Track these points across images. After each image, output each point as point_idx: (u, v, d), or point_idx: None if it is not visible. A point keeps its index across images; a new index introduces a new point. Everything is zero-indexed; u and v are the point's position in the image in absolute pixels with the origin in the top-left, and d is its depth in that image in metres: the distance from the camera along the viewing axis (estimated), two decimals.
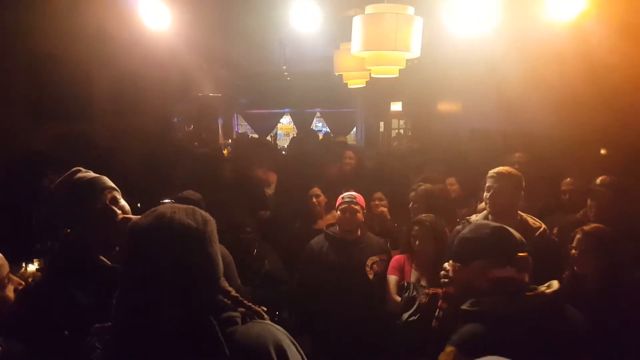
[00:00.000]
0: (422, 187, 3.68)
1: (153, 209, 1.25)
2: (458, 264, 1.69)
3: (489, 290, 1.57)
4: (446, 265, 1.91)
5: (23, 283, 1.58)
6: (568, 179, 3.64)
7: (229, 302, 1.24)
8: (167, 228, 1.19)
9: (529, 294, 1.55)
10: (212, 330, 1.16)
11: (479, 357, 1.33)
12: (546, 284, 1.58)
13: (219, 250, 1.26)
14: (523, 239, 1.64)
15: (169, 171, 4.83)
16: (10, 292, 1.52)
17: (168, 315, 1.16)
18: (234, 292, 1.26)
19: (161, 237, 1.18)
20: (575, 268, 2.51)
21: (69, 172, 1.90)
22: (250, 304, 1.28)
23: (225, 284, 1.26)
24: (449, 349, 1.54)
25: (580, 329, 1.60)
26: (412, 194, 3.69)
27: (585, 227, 2.55)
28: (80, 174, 1.89)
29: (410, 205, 3.68)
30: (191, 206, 1.29)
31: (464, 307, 1.59)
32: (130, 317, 1.19)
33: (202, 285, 1.20)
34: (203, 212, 1.28)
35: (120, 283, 1.23)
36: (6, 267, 1.53)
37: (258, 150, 5.97)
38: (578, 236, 2.52)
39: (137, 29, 3.55)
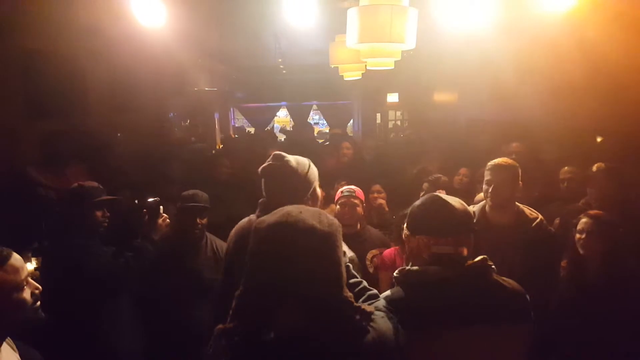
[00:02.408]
0: (440, 180, 3.70)
1: (280, 208, 1.27)
2: (407, 232, 1.76)
3: (428, 261, 1.65)
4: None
5: (40, 288, 1.57)
6: (566, 167, 3.65)
7: (352, 311, 1.23)
8: (292, 226, 1.19)
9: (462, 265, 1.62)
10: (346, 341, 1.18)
11: (397, 317, 1.47)
12: (478, 258, 1.63)
13: (342, 256, 1.25)
14: (469, 215, 1.70)
15: (166, 166, 4.83)
16: (27, 295, 1.51)
17: (291, 323, 1.16)
18: (353, 300, 1.25)
19: (286, 234, 1.18)
20: (581, 252, 2.54)
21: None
22: (363, 307, 1.28)
23: (348, 293, 1.24)
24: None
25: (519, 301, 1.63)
26: (426, 184, 3.71)
27: (590, 212, 2.58)
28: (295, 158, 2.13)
29: (422, 194, 3.68)
30: (318, 209, 1.31)
31: (395, 273, 1.69)
32: (253, 321, 1.19)
33: (326, 291, 1.19)
34: (329, 217, 1.28)
35: (243, 281, 1.22)
36: (25, 270, 1.52)
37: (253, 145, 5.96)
38: (584, 219, 2.55)
39: (131, 24, 3.53)
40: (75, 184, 2.80)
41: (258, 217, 1.93)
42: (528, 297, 1.64)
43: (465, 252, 1.65)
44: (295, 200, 1.84)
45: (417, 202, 1.77)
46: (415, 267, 1.67)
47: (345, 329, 1.20)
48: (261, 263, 1.20)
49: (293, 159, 2.08)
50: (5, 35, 3.61)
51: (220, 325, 1.22)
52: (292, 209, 1.24)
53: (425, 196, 1.79)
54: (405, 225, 1.78)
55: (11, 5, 3.57)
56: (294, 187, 2.01)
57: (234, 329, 1.20)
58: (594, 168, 3.12)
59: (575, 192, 3.43)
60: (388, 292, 1.67)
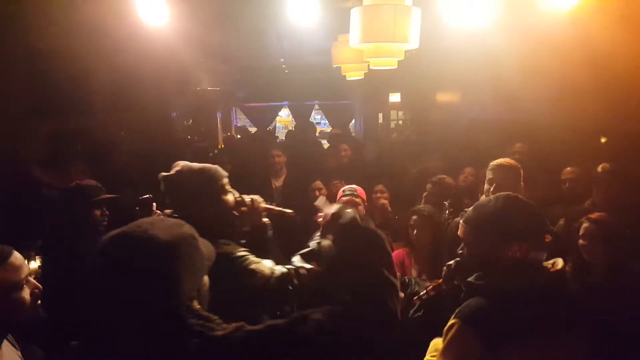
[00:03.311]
0: (444, 180, 3.71)
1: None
2: (479, 236, 1.59)
3: (502, 266, 1.52)
4: (451, 263, 1.90)
5: (40, 287, 1.56)
6: (568, 168, 3.64)
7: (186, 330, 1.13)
8: (128, 237, 1.12)
9: (544, 271, 1.54)
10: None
11: (490, 332, 1.40)
12: (551, 262, 1.57)
13: (190, 272, 1.15)
14: (543, 215, 1.63)
15: (168, 166, 4.82)
16: (26, 294, 1.50)
17: (125, 344, 1.09)
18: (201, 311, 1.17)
19: (120, 246, 1.12)
20: (585, 257, 2.51)
21: (181, 164, 2.03)
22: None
23: (195, 306, 1.16)
24: (453, 321, 1.51)
25: (581, 306, 1.60)
26: (429, 185, 3.71)
27: (592, 216, 2.54)
28: (196, 165, 2.05)
29: (425, 194, 3.69)
30: (179, 221, 1.24)
31: (470, 279, 1.54)
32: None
33: (156, 307, 1.10)
34: (186, 228, 1.20)
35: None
36: (25, 269, 1.51)
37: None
38: (585, 224, 2.51)
39: (135, 24, 3.53)
40: (74, 183, 2.80)
41: None
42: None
43: (543, 256, 1.57)
44: (199, 209, 1.85)
45: (486, 202, 1.64)
46: (494, 274, 1.52)
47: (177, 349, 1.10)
48: (98, 278, 1.13)
49: (196, 167, 2.01)
50: (11, 35, 3.62)
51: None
52: (144, 220, 1.17)
53: (499, 196, 1.63)
54: (462, 222, 1.64)
55: (16, 5, 3.58)
56: (195, 196, 1.93)
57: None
58: (599, 169, 3.10)
59: (578, 193, 3.42)
60: (474, 302, 1.51)
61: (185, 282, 1.13)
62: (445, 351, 1.49)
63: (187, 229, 1.21)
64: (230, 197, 2.04)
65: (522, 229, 1.54)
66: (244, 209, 2.08)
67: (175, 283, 1.11)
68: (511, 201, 1.59)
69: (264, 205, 2.18)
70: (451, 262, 1.89)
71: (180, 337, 1.11)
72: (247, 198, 2.13)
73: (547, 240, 1.60)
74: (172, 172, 1.99)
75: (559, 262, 1.57)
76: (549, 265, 1.57)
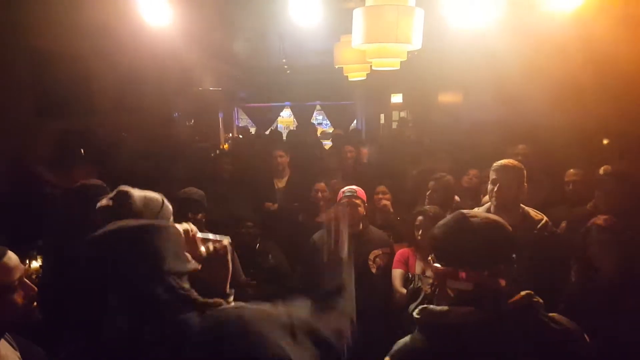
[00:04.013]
0: (445, 177, 3.70)
1: None
2: (431, 257, 1.48)
3: (455, 297, 1.36)
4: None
5: (35, 289, 1.52)
6: (572, 170, 3.63)
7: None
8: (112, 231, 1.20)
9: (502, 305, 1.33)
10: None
11: None
12: (519, 295, 1.36)
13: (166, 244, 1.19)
14: (507, 236, 1.41)
15: (170, 166, 4.84)
16: (19, 297, 1.46)
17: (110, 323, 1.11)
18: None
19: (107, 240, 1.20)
20: (593, 263, 2.47)
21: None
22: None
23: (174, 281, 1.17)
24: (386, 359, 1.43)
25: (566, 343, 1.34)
26: (432, 183, 3.69)
27: (598, 221, 2.52)
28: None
29: (428, 193, 3.68)
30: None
31: (414, 312, 1.40)
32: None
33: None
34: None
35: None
36: (18, 271, 1.47)
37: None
38: (595, 232, 2.46)
39: (137, 24, 3.53)
40: (79, 183, 2.80)
41: None
42: (587, 337, 1.38)
43: (503, 284, 1.36)
44: None
45: (441, 222, 1.49)
46: (439, 307, 1.36)
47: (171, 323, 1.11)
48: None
49: (139, 199, 1.75)
50: (15, 35, 3.63)
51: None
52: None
53: (451, 216, 1.49)
54: (430, 248, 1.52)
55: (19, 6, 3.59)
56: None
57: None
58: (601, 171, 3.09)
59: (581, 195, 3.41)
60: (406, 340, 1.40)
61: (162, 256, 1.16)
62: None
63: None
64: None
65: (452, 251, 1.39)
66: None
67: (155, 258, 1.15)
68: (453, 219, 1.45)
69: (198, 234, 1.70)
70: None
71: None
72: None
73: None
74: (117, 204, 1.78)
75: (519, 296, 1.36)
76: (514, 298, 1.36)
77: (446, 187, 3.61)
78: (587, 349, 1.36)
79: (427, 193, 3.68)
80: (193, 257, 1.41)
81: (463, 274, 1.34)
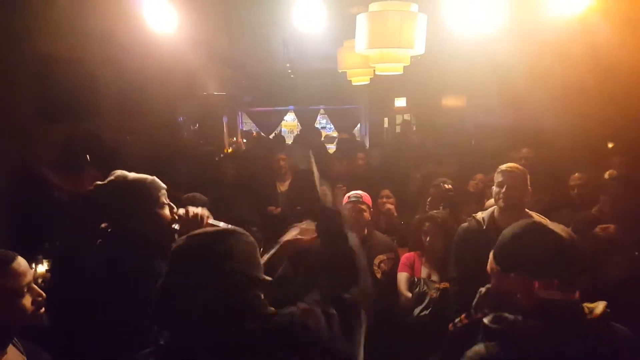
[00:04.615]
0: (445, 183, 3.70)
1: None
2: (497, 267, 1.42)
3: (528, 309, 1.30)
4: (482, 290, 1.64)
5: (44, 295, 1.53)
6: (576, 174, 3.62)
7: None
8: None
9: (581, 318, 1.30)
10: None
11: None
12: (592, 305, 1.33)
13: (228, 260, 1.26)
14: (579, 247, 1.40)
15: (174, 169, 4.85)
16: (27, 302, 1.46)
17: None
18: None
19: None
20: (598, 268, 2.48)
21: (116, 174, 1.90)
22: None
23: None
24: None
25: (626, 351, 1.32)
26: (432, 189, 3.69)
27: (607, 230, 2.52)
28: (131, 176, 1.90)
29: (428, 200, 3.68)
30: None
31: (485, 320, 1.34)
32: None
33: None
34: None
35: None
36: (28, 276, 1.48)
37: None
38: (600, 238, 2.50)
39: (143, 30, 3.56)
40: (92, 186, 2.82)
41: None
42: None
43: (578, 296, 1.32)
44: (132, 222, 1.77)
45: (511, 230, 1.43)
46: (513, 317, 1.29)
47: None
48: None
49: (131, 177, 1.89)
50: (20, 40, 3.66)
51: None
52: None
53: (522, 223, 1.45)
54: (492, 256, 1.46)
55: (24, 11, 3.62)
56: (128, 208, 1.83)
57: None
58: (607, 175, 3.08)
59: (586, 199, 3.40)
60: (481, 348, 1.31)
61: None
62: None
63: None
64: (166, 211, 1.89)
65: (530, 260, 1.34)
66: (179, 220, 1.91)
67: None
68: (526, 227, 1.41)
69: (210, 220, 1.96)
70: (482, 288, 1.65)
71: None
72: (191, 211, 1.94)
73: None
74: (106, 181, 1.88)
75: (600, 306, 1.31)
76: (586, 310, 1.31)
77: (445, 194, 3.62)
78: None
79: (428, 200, 3.69)
80: None
81: (556, 283, 1.30)
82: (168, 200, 1.92)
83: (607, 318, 1.30)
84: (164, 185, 1.93)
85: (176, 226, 1.89)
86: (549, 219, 2.66)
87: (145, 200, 1.84)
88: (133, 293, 1.62)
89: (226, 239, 1.26)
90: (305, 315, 1.31)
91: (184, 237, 1.30)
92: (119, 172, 1.90)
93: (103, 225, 1.93)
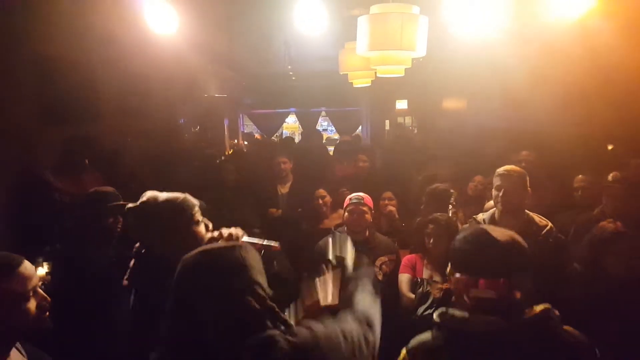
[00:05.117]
0: (439, 188, 3.69)
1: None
2: (449, 268, 1.58)
3: (470, 305, 1.44)
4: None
5: (49, 299, 1.53)
6: (580, 176, 3.61)
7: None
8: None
9: (517, 316, 1.40)
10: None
11: None
12: (536, 307, 1.42)
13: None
14: (523, 250, 1.49)
15: (175, 172, 4.85)
16: (32, 306, 1.46)
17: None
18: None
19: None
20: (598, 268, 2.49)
21: (147, 195, 1.86)
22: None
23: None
24: (403, 350, 1.54)
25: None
26: (426, 196, 3.69)
27: (607, 227, 2.53)
28: (163, 196, 1.86)
29: (422, 207, 3.68)
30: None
31: (434, 314, 1.49)
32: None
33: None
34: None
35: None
36: (34, 280, 1.48)
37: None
38: (601, 236, 2.51)
39: (144, 31, 3.56)
40: (92, 189, 2.82)
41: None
42: (597, 351, 1.43)
43: (518, 296, 1.42)
44: (167, 242, 1.75)
45: (460, 235, 1.58)
46: (458, 312, 1.44)
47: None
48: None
49: (163, 197, 1.87)
50: (21, 42, 3.66)
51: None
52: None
53: (469, 228, 1.62)
54: (450, 258, 1.60)
55: (25, 13, 3.63)
56: (162, 229, 1.81)
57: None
58: (610, 177, 3.08)
59: (589, 201, 3.40)
60: (427, 337, 1.49)
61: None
62: None
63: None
64: (201, 228, 1.87)
65: (468, 260, 1.48)
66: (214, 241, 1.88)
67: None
68: (471, 232, 1.55)
69: (245, 238, 1.90)
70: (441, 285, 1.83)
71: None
72: (225, 231, 1.88)
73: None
74: (137, 203, 1.85)
75: (540, 307, 1.42)
76: (533, 310, 1.41)
77: (440, 197, 3.62)
78: None
79: (421, 207, 3.68)
80: None
81: (482, 282, 1.41)
82: (202, 217, 1.89)
83: (546, 318, 1.39)
84: (196, 202, 1.89)
85: None
86: (551, 221, 2.66)
87: (179, 219, 1.81)
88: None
89: (242, 252, 1.28)
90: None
91: (194, 251, 1.30)
92: (150, 194, 1.87)
93: (136, 246, 1.90)
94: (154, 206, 1.82)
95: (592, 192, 3.44)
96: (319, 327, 1.31)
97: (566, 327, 1.44)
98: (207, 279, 1.22)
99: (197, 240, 1.82)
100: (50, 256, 2.78)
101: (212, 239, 1.84)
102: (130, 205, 1.86)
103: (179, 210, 1.82)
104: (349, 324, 1.38)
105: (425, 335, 1.50)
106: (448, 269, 1.59)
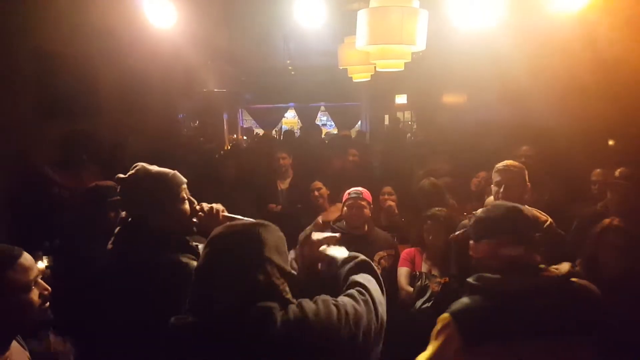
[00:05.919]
0: (429, 180, 3.69)
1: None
2: (472, 241, 1.77)
3: (499, 268, 1.62)
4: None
5: (49, 289, 1.56)
6: (597, 170, 3.60)
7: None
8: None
9: (543, 274, 1.59)
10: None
11: (472, 328, 1.55)
12: (556, 266, 1.62)
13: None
14: (538, 219, 1.77)
15: (174, 167, 4.84)
16: (35, 296, 1.49)
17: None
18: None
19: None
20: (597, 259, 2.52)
21: (138, 167, 1.93)
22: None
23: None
24: (445, 315, 1.64)
25: (595, 310, 1.60)
26: (420, 195, 3.69)
27: (613, 223, 2.54)
28: (154, 169, 1.93)
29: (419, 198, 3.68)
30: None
31: (469, 279, 1.66)
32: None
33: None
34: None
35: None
36: (34, 271, 1.51)
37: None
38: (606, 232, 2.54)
39: (143, 26, 3.55)
40: (93, 184, 2.82)
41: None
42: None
43: (537, 257, 1.64)
44: (153, 214, 1.82)
45: (480, 210, 1.80)
46: (490, 275, 1.63)
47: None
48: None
49: (153, 170, 1.94)
50: (20, 37, 3.65)
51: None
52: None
53: (490, 204, 1.85)
54: (475, 228, 1.78)
55: (24, 8, 3.61)
56: (149, 201, 1.87)
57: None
58: (617, 173, 3.07)
59: (605, 195, 3.38)
60: (466, 300, 1.63)
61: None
62: (432, 339, 1.65)
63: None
64: (186, 206, 1.94)
65: (490, 228, 1.68)
66: (200, 214, 1.98)
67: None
68: (491, 205, 1.78)
69: (225, 214, 2.04)
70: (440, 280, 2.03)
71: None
72: (206, 206, 2.01)
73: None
74: (128, 174, 1.91)
75: (564, 267, 1.61)
76: (553, 269, 1.61)
77: (429, 193, 3.63)
78: (599, 316, 1.60)
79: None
80: None
81: (509, 241, 1.63)
82: (189, 194, 1.96)
83: (571, 274, 1.60)
84: (184, 180, 1.96)
85: (195, 220, 1.95)
86: (557, 214, 2.66)
87: (167, 193, 1.87)
88: (145, 284, 1.67)
89: (261, 229, 1.36)
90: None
91: (222, 226, 1.39)
92: (141, 165, 1.93)
93: (123, 214, 1.96)
94: (143, 178, 1.87)
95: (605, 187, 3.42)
96: (315, 305, 1.35)
97: (581, 281, 1.63)
98: (224, 247, 1.33)
99: (181, 216, 1.89)
100: (50, 251, 2.78)
101: (193, 215, 1.94)
102: (120, 175, 1.90)
103: (168, 184, 1.88)
104: (346, 299, 1.42)
105: (465, 300, 1.64)
106: (471, 243, 1.77)
